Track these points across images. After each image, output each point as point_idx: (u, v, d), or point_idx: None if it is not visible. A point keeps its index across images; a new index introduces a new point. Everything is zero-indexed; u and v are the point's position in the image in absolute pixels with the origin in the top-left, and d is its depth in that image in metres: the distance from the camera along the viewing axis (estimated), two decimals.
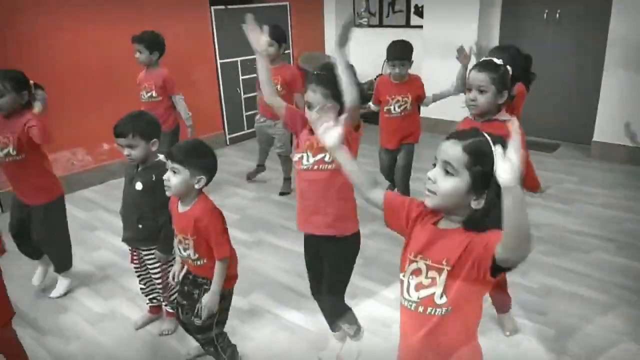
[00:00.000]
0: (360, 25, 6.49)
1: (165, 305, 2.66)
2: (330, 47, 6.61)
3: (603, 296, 2.79)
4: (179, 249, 2.14)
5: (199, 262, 2.09)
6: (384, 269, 3.11)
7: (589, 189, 4.19)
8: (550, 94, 5.12)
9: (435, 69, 5.52)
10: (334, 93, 1.91)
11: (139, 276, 2.65)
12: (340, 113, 1.93)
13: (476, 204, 1.25)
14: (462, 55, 2.97)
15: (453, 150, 1.26)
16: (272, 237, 3.56)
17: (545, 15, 5.20)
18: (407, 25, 6.14)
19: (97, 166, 4.70)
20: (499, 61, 2.15)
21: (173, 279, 2.23)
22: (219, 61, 5.46)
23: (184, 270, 2.22)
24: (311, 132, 2.03)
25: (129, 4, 4.53)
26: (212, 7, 5.20)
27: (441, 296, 1.28)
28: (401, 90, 3.48)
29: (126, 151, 2.31)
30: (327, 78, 1.91)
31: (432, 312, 1.31)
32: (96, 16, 4.10)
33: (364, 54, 6.41)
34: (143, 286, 2.67)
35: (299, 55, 5.99)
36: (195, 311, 2.13)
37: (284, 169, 4.41)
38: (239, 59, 5.56)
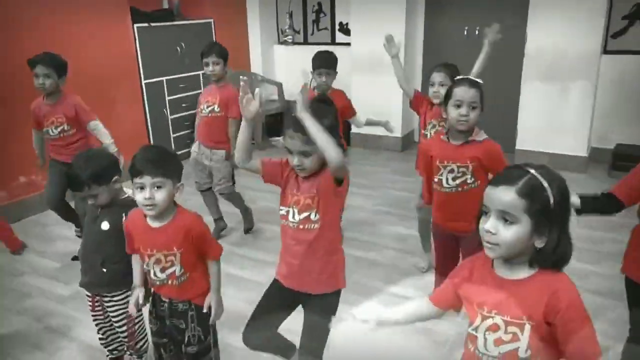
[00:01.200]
0: (285, 43, 6.44)
1: (130, 355, 2.37)
2: (255, 64, 6.49)
3: None
4: (154, 271, 1.92)
5: (182, 278, 1.92)
6: (354, 291, 3.01)
7: None
8: None
9: (365, 85, 5.62)
10: None
11: (97, 324, 2.35)
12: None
13: (540, 243, 1.21)
14: (390, 44, 3.08)
15: (507, 197, 1.19)
16: (232, 268, 3.33)
17: (465, 32, 5.46)
18: (333, 42, 6.17)
19: (12, 202, 4.18)
20: (479, 80, 2.19)
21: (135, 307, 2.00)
22: (143, 81, 5.12)
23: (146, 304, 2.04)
24: (297, 183, 1.89)
25: (42, 19, 4.11)
26: (135, 25, 4.87)
27: (526, 350, 1.23)
28: None
29: (90, 200, 2.09)
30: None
31: None
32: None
33: (290, 71, 6.37)
34: (102, 336, 2.37)
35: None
36: (186, 340, 1.99)
37: (236, 205, 3.88)
38: (164, 78, 5.26)
